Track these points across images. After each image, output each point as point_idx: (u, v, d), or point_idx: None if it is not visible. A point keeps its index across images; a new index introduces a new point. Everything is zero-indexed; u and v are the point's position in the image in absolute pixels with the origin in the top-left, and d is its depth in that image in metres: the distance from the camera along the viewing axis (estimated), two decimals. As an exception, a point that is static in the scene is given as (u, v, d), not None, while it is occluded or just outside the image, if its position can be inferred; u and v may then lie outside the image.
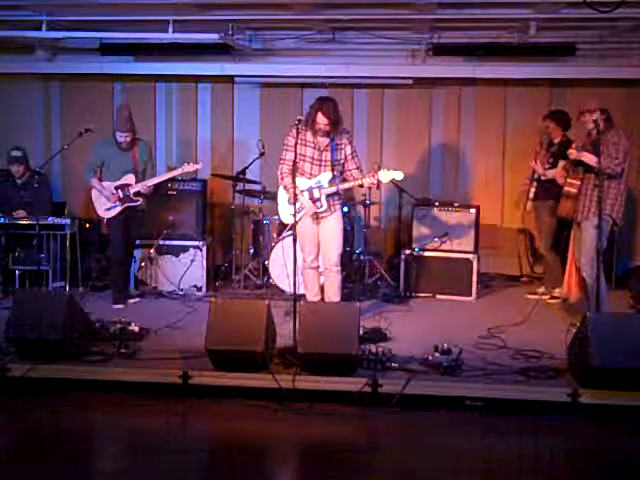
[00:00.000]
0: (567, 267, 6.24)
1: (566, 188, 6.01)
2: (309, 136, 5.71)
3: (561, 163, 6.50)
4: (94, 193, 6.66)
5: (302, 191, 5.73)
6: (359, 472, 3.96)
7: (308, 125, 5.65)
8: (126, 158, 6.59)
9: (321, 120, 5.57)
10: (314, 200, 5.72)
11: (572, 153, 5.82)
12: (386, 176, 5.65)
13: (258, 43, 7.60)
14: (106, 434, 4.45)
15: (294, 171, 5.38)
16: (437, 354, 4.93)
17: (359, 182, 5.74)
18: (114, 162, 6.59)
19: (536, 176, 6.95)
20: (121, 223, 6.64)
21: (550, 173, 6.68)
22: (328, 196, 5.75)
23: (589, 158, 5.62)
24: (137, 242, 7.05)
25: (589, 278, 5.68)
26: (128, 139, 6.53)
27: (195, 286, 7.23)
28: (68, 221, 7.01)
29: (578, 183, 5.88)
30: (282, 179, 5.79)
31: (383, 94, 8.30)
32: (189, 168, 6.72)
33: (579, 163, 5.82)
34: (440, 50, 7.38)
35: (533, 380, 4.70)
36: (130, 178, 6.59)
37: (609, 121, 5.77)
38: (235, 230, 7.74)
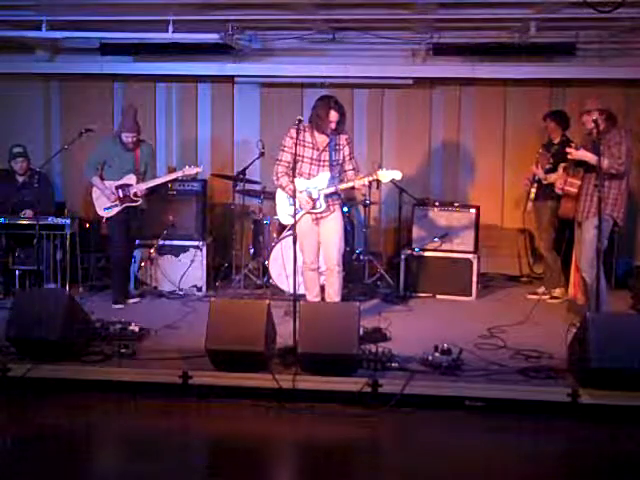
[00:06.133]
0: (572, 268, 6.24)
1: (566, 188, 5.99)
2: (308, 137, 5.70)
3: (561, 166, 6.48)
4: (95, 192, 6.66)
5: (300, 192, 5.70)
6: (359, 472, 3.96)
7: (317, 125, 5.62)
8: (129, 158, 6.60)
9: (334, 117, 5.57)
10: (312, 200, 5.71)
11: (571, 152, 5.80)
12: (385, 176, 5.64)
13: (258, 43, 7.59)
14: (106, 434, 4.44)
15: (294, 172, 5.38)
16: (437, 354, 4.93)
17: (352, 184, 5.70)
18: (117, 161, 6.59)
19: (537, 177, 6.94)
20: (121, 223, 6.64)
21: (551, 178, 6.64)
22: (327, 196, 5.73)
23: (590, 157, 5.60)
24: (137, 242, 7.05)
25: (589, 278, 5.68)
26: (135, 139, 6.55)
27: (195, 286, 7.24)
28: (68, 221, 7.00)
29: (578, 183, 5.87)
30: (277, 179, 5.76)
31: (383, 94, 8.29)
32: (190, 171, 6.71)
33: (579, 163, 5.82)
34: (440, 50, 7.39)
35: (533, 380, 4.70)
36: (131, 178, 6.59)
37: (611, 121, 5.74)
38: (235, 230, 7.74)
